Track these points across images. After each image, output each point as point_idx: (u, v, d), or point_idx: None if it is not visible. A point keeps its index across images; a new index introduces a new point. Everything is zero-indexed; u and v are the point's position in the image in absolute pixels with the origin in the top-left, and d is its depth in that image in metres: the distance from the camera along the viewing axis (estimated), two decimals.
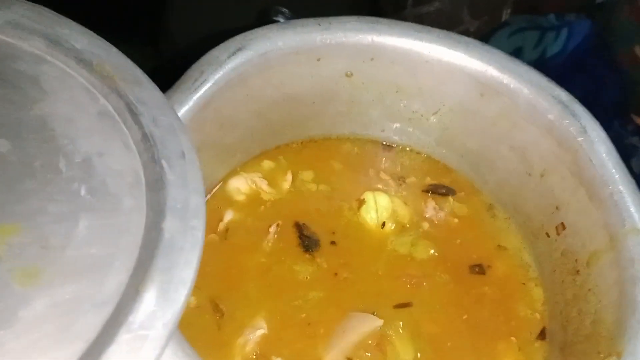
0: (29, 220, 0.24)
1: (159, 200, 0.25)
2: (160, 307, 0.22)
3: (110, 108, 0.29)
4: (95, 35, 0.32)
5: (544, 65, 0.94)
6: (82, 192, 0.25)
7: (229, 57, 0.39)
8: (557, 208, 0.41)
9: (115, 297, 0.23)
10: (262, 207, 0.45)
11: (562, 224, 0.40)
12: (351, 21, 0.43)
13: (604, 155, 0.37)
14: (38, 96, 0.28)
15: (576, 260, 0.39)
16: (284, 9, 0.64)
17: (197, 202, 0.26)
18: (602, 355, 0.31)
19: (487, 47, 0.43)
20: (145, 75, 0.31)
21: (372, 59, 0.44)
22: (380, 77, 0.46)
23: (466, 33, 0.89)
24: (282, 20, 0.64)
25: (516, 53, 0.94)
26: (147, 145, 0.27)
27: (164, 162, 0.26)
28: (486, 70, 0.42)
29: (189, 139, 0.28)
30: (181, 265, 0.24)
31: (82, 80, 0.30)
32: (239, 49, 0.39)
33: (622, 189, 0.36)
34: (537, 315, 0.42)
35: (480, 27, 0.94)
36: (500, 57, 0.43)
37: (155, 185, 0.26)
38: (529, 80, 0.41)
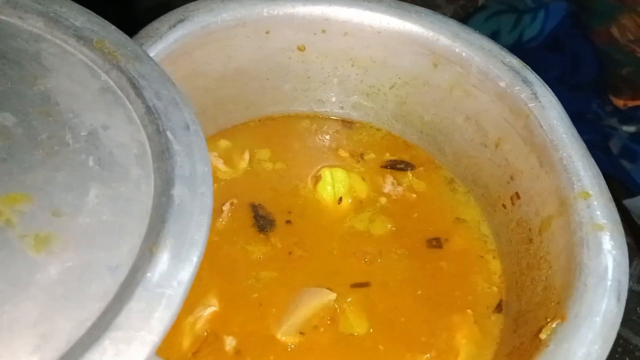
0: (39, 189, 0.24)
1: (167, 169, 0.26)
2: (175, 267, 0.23)
3: (112, 83, 0.30)
4: (93, 13, 0.32)
5: (521, 48, 0.93)
6: (90, 162, 0.26)
7: (169, 28, 0.38)
8: (511, 178, 0.40)
9: (129, 259, 0.23)
10: (216, 185, 0.44)
11: (517, 193, 0.40)
12: None
13: (554, 120, 0.36)
14: (40, 73, 0.29)
15: (530, 229, 0.38)
16: None
17: (203, 170, 0.27)
18: (548, 319, 0.31)
19: (438, 16, 0.43)
20: (145, 51, 0.32)
21: (323, 31, 0.44)
22: (333, 50, 0.45)
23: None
24: None
25: (493, 36, 0.94)
26: (152, 118, 0.28)
27: (169, 134, 0.27)
28: (438, 40, 0.41)
29: (192, 111, 0.29)
30: (192, 229, 0.24)
31: (82, 57, 0.30)
32: (180, 21, 0.38)
33: (571, 153, 0.35)
34: (495, 289, 0.41)
35: (457, 11, 0.94)
36: (452, 26, 0.42)
37: (162, 156, 0.27)
38: (480, 48, 0.41)
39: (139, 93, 0.29)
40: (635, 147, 0.83)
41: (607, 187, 0.35)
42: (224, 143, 0.47)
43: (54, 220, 0.24)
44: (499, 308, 0.40)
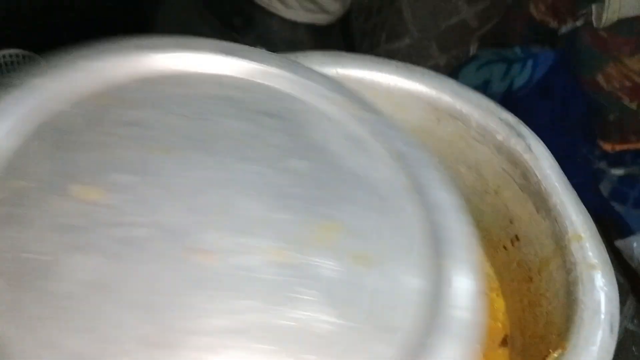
0: (344, 219, 0.28)
1: (428, 200, 0.30)
2: (464, 287, 0.26)
3: (360, 132, 0.34)
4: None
5: (511, 96, 0.99)
6: (367, 195, 0.30)
7: None
8: (511, 222, 0.44)
9: (425, 280, 0.26)
10: None
11: (516, 236, 0.43)
12: (316, 55, 0.47)
13: (547, 170, 0.41)
14: (305, 126, 0.33)
15: (529, 268, 0.42)
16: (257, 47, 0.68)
17: (458, 201, 0.31)
18: (550, 350, 0.34)
19: (440, 77, 0.47)
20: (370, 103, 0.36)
21: None
22: None
23: (436, 67, 0.95)
24: None
25: (484, 85, 0.99)
26: (401, 158, 0.32)
27: (417, 170, 0.32)
28: (440, 98, 0.46)
29: (430, 152, 0.34)
30: (463, 251, 0.28)
31: (330, 112, 0.35)
32: None
33: (564, 199, 0.39)
34: (499, 325, 0.44)
35: (449, 61, 0.99)
36: (452, 85, 0.47)
37: (420, 190, 0.30)
38: (478, 105, 0.45)
39: (384, 139, 0.33)
40: (625, 190, 0.86)
41: (596, 229, 0.39)
42: None
43: (361, 242, 0.27)
44: (504, 342, 0.43)
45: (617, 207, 0.80)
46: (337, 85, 0.36)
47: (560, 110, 0.95)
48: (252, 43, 0.95)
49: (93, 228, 0.24)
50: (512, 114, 0.45)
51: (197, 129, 0.30)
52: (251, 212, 0.27)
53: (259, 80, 0.34)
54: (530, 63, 0.99)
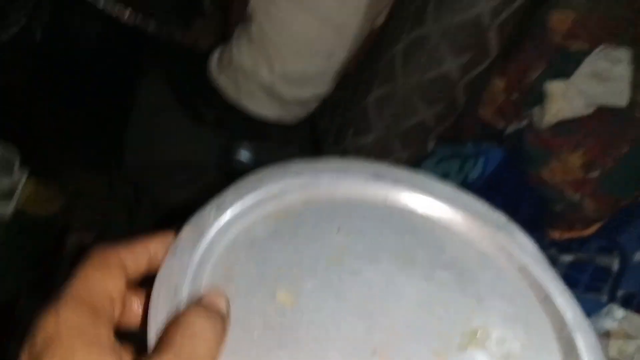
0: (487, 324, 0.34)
1: (551, 309, 0.36)
2: None
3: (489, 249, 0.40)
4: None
5: (467, 188, 1.05)
6: (499, 303, 0.36)
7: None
8: None
9: None
10: None
11: None
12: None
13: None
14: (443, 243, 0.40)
15: None
16: (244, 150, 0.72)
17: (580, 310, 0.36)
18: None
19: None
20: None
21: None
22: None
23: (398, 161, 1.02)
24: (244, 159, 0.72)
25: (443, 179, 1.06)
26: (523, 271, 0.39)
27: (540, 282, 0.37)
28: None
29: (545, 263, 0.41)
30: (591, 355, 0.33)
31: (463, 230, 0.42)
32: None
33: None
34: None
35: (411, 156, 1.06)
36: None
37: (544, 299, 0.36)
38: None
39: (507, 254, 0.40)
40: (575, 275, 0.92)
41: None
42: None
43: (505, 344, 0.33)
44: None
45: None
46: (466, 202, 0.43)
47: (511, 202, 1.02)
48: (223, 135, 1.00)
49: (292, 327, 0.31)
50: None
51: (362, 244, 0.37)
52: (410, 317, 0.33)
53: (411, 207, 0.41)
54: (482, 159, 1.07)
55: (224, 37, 1.05)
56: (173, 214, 0.96)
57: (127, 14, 0.89)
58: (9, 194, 0.97)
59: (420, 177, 0.42)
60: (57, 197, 1.12)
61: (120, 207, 1.15)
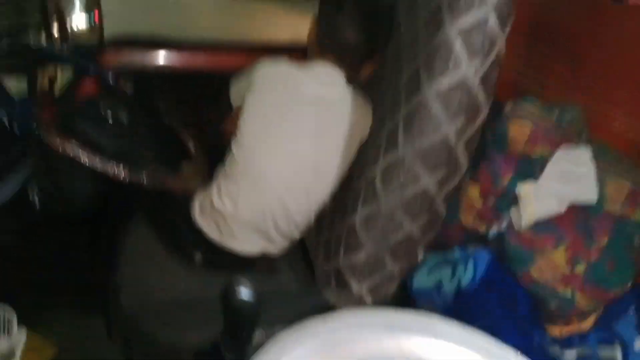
0: None
1: None
2: None
3: None
4: None
5: (463, 293, 1.06)
6: None
7: None
8: None
9: None
10: None
11: None
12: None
13: None
14: None
15: None
16: (243, 287, 0.74)
17: None
18: None
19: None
20: None
21: None
22: None
23: (391, 275, 1.03)
24: (244, 297, 0.73)
25: (438, 286, 1.07)
26: None
27: None
28: None
29: None
30: None
31: None
32: None
33: None
34: None
35: (402, 269, 1.07)
36: None
37: None
38: None
39: None
40: None
41: None
42: None
43: None
44: None
45: None
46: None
47: (508, 302, 1.03)
48: (215, 269, 1.01)
49: None
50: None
51: None
52: None
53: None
54: (471, 262, 1.09)
55: (209, 177, 1.11)
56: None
57: (120, 171, 0.95)
58: (7, 356, 0.97)
59: (432, 322, 0.46)
60: (53, 345, 1.12)
61: (118, 348, 1.13)
